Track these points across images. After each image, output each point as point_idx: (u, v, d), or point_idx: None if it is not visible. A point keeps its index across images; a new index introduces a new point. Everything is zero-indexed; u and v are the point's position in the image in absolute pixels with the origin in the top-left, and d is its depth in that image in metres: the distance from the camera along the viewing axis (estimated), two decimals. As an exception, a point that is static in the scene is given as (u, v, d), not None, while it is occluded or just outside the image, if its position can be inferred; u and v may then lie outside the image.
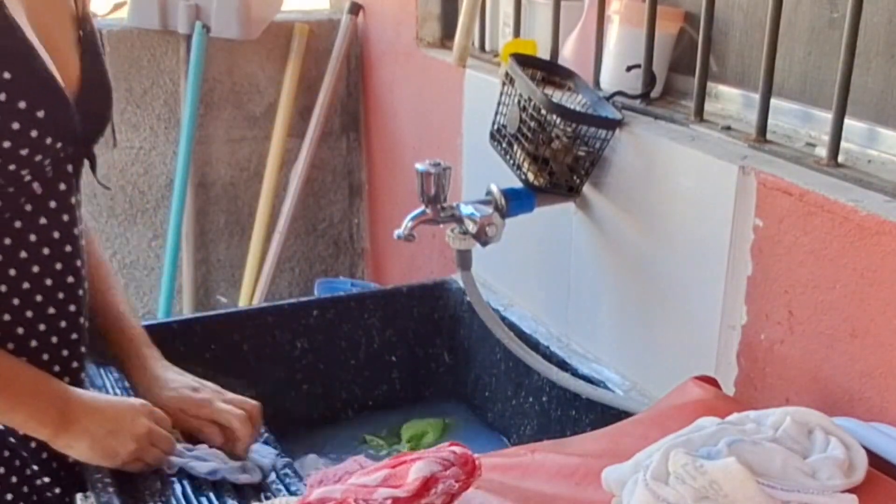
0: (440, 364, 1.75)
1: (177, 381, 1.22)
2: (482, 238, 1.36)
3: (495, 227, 1.36)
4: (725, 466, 0.79)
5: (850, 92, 1.12)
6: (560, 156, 1.40)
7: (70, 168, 1.12)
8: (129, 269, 2.43)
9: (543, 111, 1.37)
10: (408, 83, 2.17)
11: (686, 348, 1.29)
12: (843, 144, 1.15)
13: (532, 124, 1.39)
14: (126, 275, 2.42)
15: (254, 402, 1.22)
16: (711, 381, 1.11)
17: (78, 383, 1.18)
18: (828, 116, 1.16)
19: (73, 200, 1.13)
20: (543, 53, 1.61)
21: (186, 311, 2.44)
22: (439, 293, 1.74)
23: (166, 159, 2.38)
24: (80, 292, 1.16)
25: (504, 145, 1.45)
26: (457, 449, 0.90)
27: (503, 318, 1.58)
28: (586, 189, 1.44)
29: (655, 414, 1.07)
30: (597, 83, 1.51)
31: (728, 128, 1.30)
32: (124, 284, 2.43)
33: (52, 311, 1.13)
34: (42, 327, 1.13)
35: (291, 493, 1.12)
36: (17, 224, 1.08)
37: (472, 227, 1.36)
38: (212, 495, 1.11)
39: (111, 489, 1.12)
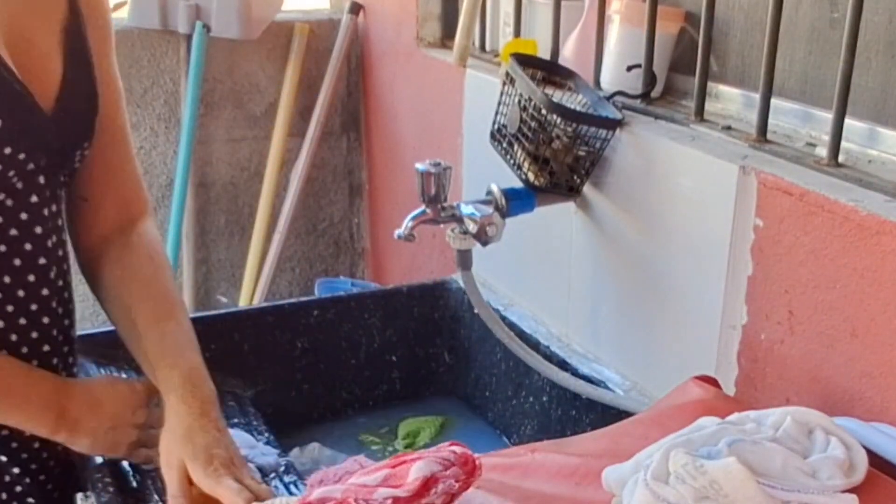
0: (440, 364, 1.75)
1: (200, 444, 1.05)
2: (482, 238, 1.36)
3: (495, 226, 1.36)
4: (726, 466, 0.79)
5: (850, 92, 1.12)
6: (560, 156, 1.40)
7: (42, 180, 1.07)
8: (130, 269, 2.42)
9: (544, 111, 1.37)
10: (408, 83, 2.17)
11: (686, 348, 1.29)
12: (844, 144, 1.15)
13: (532, 124, 1.39)
14: (126, 274, 2.42)
15: (267, 488, 1.03)
16: (712, 381, 1.11)
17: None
18: (828, 116, 1.16)
19: (45, 212, 1.09)
20: (544, 53, 1.61)
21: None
22: (439, 293, 1.74)
23: (167, 159, 2.38)
24: (54, 304, 1.12)
25: (504, 145, 1.45)
26: (457, 449, 0.90)
27: (503, 318, 1.58)
28: (586, 189, 1.44)
29: (656, 414, 1.07)
30: (597, 83, 1.51)
31: (728, 128, 1.30)
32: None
33: (23, 321, 1.09)
34: (14, 338, 1.09)
35: (291, 493, 1.12)
36: None
37: (472, 227, 1.36)
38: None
39: (111, 489, 1.12)
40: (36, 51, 1.06)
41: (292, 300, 1.72)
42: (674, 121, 1.37)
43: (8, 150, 1.01)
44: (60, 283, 1.14)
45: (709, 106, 1.36)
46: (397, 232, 1.37)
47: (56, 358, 1.14)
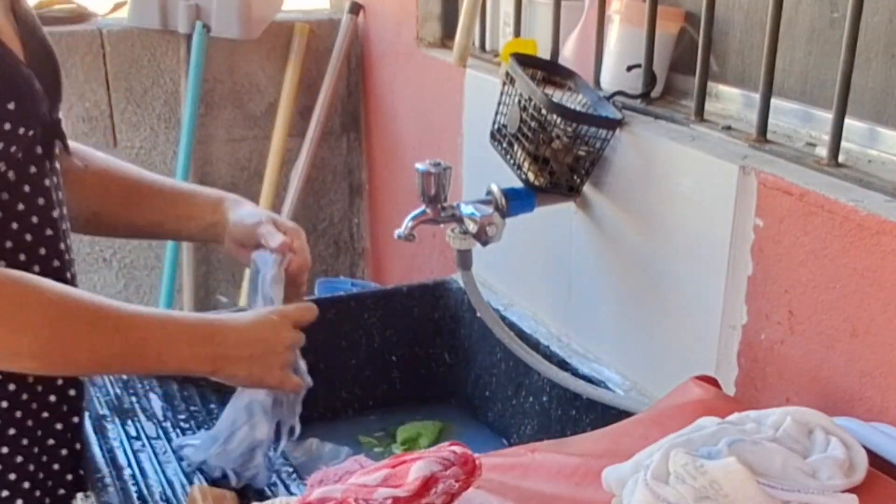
0: (440, 364, 1.75)
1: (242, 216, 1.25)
2: (482, 238, 1.36)
3: (495, 226, 1.36)
4: (726, 466, 0.79)
5: (850, 92, 1.12)
6: (560, 155, 1.40)
7: (39, 150, 1.11)
8: (129, 269, 2.43)
9: (544, 111, 1.37)
10: (408, 83, 2.17)
11: (686, 348, 1.29)
12: (844, 144, 1.15)
13: (532, 124, 1.39)
14: (126, 274, 2.42)
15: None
16: (712, 381, 1.10)
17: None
18: (828, 116, 1.16)
19: (46, 183, 1.12)
20: (544, 53, 1.61)
21: (187, 310, 2.44)
22: (439, 293, 1.74)
23: (167, 159, 2.38)
24: (68, 276, 1.15)
25: (504, 145, 1.45)
26: (457, 449, 0.90)
27: (503, 318, 1.58)
28: (586, 189, 1.44)
29: (656, 414, 1.07)
30: (597, 83, 1.51)
31: (728, 128, 1.30)
32: (124, 284, 2.43)
33: None
34: None
35: (291, 493, 1.12)
36: None
37: (472, 227, 1.36)
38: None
39: (111, 489, 1.12)
40: (6, 34, 1.07)
41: (292, 300, 1.72)
42: (674, 121, 1.37)
43: (21, 131, 1.04)
44: (67, 256, 1.16)
45: (709, 106, 1.36)
46: (397, 232, 1.37)
47: None
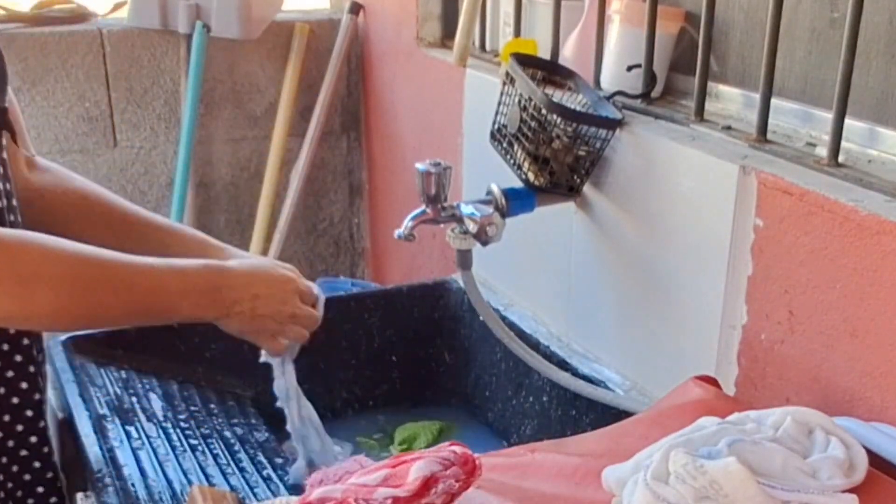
0: (440, 364, 1.75)
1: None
2: (482, 238, 1.36)
3: (496, 226, 1.36)
4: (726, 466, 0.79)
5: (850, 92, 1.12)
6: (560, 155, 1.40)
7: None
8: (130, 269, 2.42)
9: (544, 111, 1.36)
10: (408, 83, 2.17)
11: (686, 348, 1.29)
12: (844, 144, 1.15)
13: (532, 124, 1.39)
14: (126, 274, 2.42)
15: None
16: (712, 381, 1.10)
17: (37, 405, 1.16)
18: (828, 116, 1.16)
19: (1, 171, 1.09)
20: (544, 53, 1.61)
21: (186, 310, 2.44)
22: (439, 293, 1.74)
23: (167, 159, 2.38)
24: None
25: (504, 145, 1.45)
26: (457, 448, 0.90)
27: (503, 318, 1.58)
28: (586, 189, 1.44)
29: (656, 414, 1.07)
30: (597, 83, 1.51)
31: (728, 127, 1.30)
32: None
33: None
34: None
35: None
36: None
37: (472, 227, 1.36)
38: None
39: (111, 489, 1.12)
40: None
41: (292, 300, 1.72)
42: (674, 121, 1.37)
43: None
44: None
45: (709, 106, 1.36)
46: (397, 232, 1.37)
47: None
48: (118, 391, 1.34)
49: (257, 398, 1.50)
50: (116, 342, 1.43)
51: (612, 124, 1.37)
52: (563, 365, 1.45)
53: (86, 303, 1.03)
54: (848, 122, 1.14)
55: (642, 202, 1.34)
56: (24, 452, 1.16)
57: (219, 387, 1.38)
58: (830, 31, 1.26)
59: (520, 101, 1.40)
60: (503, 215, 1.39)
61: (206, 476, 1.15)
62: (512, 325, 1.56)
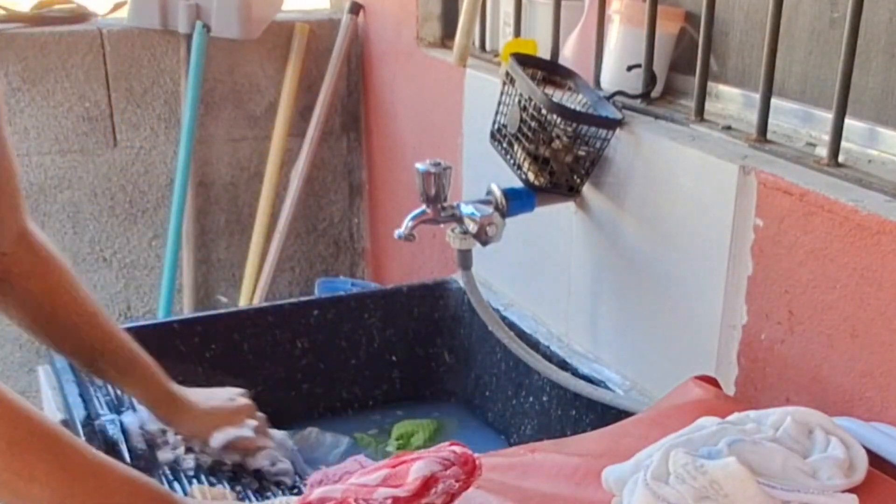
0: (440, 364, 1.75)
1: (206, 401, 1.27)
2: (482, 238, 1.36)
3: (495, 226, 1.36)
4: (726, 466, 0.79)
5: (850, 92, 1.12)
6: (560, 155, 1.40)
7: None
8: (130, 269, 2.42)
9: (544, 111, 1.36)
10: (408, 83, 2.17)
11: (686, 348, 1.29)
12: (844, 144, 1.15)
13: (532, 124, 1.39)
14: (126, 274, 2.42)
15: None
16: (712, 381, 1.11)
17: None
18: (828, 116, 1.16)
19: None
20: (544, 53, 1.61)
21: (187, 310, 2.44)
22: (439, 293, 1.74)
23: (167, 159, 2.38)
24: None
25: (504, 145, 1.45)
26: (457, 448, 0.90)
27: (503, 318, 1.58)
28: (586, 189, 1.44)
29: (656, 414, 1.07)
30: (597, 83, 1.51)
31: (728, 128, 1.30)
32: (124, 284, 2.43)
33: None
34: None
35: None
36: None
37: (472, 227, 1.36)
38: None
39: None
40: None
41: (292, 300, 1.72)
42: (674, 121, 1.37)
43: None
44: None
45: (709, 106, 1.36)
46: (397, 232, 1.37)
47: None
48: (118, 391, 1.34)
49: (257, 398, 1.50)
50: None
51: (612, 124, 1.37)
52: (563, 365, 1.45)
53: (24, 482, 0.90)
54: (848, 122, 1.14)
55: (642, 202, 1.34)
56: None
57: (218, 386, 1.37)
58: (830, 31, 1.26)
59: (520, 101, 1.40)
60: (503, 215, 1.39)
61: (207, 476, 1.15)
62: (512, 325, 1.56)
